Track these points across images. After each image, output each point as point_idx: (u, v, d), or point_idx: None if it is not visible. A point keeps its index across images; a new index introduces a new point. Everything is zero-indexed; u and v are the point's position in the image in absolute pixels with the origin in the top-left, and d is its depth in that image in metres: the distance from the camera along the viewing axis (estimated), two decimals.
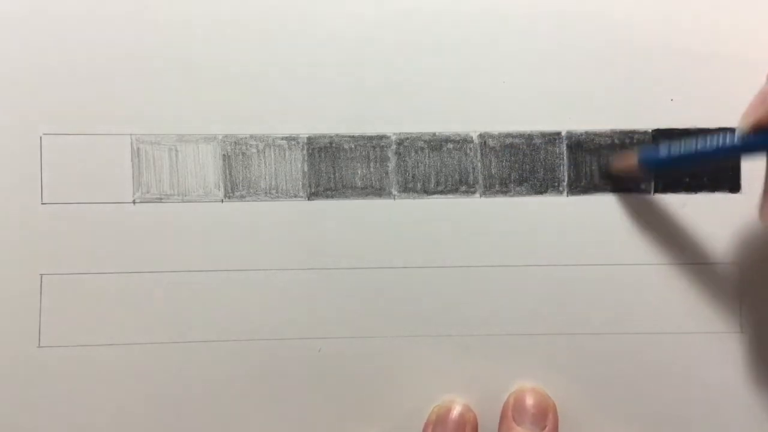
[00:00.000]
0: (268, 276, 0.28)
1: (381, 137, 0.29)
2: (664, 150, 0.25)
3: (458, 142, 0.29)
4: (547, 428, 0.27)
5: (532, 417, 0.27)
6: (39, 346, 0.28)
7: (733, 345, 0.29)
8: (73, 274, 0.28)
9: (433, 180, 0.29)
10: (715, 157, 0.25)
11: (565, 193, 0.29)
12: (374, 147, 0.29)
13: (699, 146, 0.24)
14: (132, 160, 0.28)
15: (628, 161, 0.27)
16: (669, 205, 0.29)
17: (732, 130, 0.26)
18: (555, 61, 0.29)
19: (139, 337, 0.28)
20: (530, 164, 0.29)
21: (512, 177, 0.29)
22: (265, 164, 0.29)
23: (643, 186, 0.28)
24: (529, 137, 0.29)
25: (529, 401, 0.28)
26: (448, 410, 0.28)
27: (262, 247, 0.28)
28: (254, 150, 0.29)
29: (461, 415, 0.28)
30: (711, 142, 0.24)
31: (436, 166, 0.29)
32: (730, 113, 0.27)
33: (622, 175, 0.28)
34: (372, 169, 0.29)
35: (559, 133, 0.29)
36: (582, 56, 0.29)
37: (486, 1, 0.29)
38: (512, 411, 0.27)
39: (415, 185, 0.29)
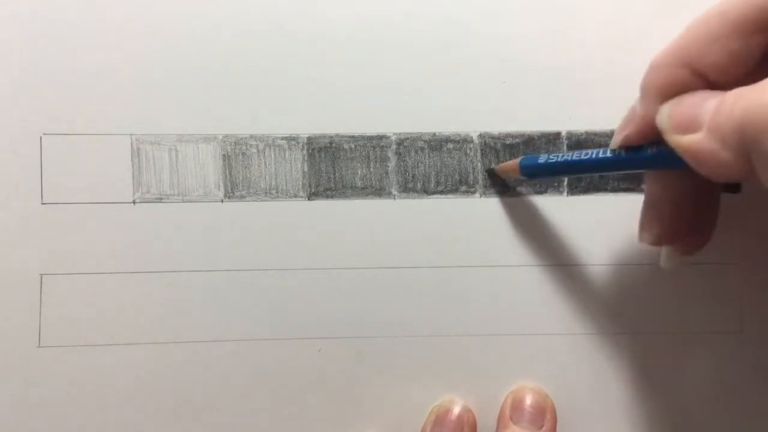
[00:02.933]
0: (267, 276, 0.28)
1: (381, 137, 0.29)
2: (543, 158, 0.26)
3: (458, 142, 0.29)
4: (544, 428, 0.27)
5: (530, 416, 0.27)
6: (39, 346, 0.28)
7: (733, 345, 0.29)
8: (73, 274, 0.28)
9: (433, 180, 0.29)
10: (589, 170, 0.26)
11: (564, 193, 0.29)
12: (374, 147, 0.29)
13: (575, 158, 0.25)
14: (132, 160, 0.28)
15: (512, 165, 0.27)
16: None
17: None
18: (555, 61, 0.29)
19: (139, 337, 0.28)
20: None
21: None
22: (265, 164, 0.29)
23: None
24: (529, 137, 0.29)
25: (527, 401, 0.28)
26: (447, 411, 0.28)
27: (262, 247, 0.28)
28: (254, 150, 0.29)
29: (460, 417, 0.28)
30: (586, 156, 0.24)
31: (436, 166, 0.29)
32: None
33: (505, 177, 0.29)
34: (372, 169, 0.29)
35: (559, 133, 0.29)
36: (582, 56, 0.29)
37: (486, 0, 0.29)
38: (510, 410, 0.27)
39: (415, 185, 0.29)
